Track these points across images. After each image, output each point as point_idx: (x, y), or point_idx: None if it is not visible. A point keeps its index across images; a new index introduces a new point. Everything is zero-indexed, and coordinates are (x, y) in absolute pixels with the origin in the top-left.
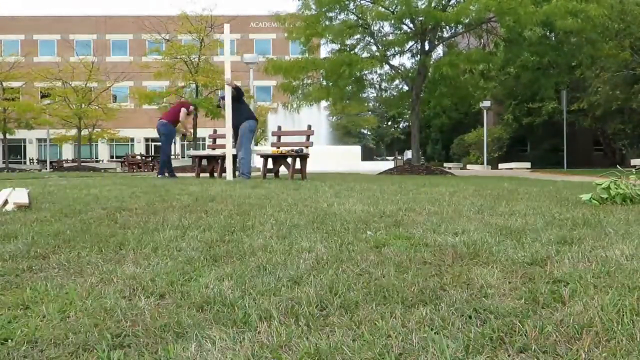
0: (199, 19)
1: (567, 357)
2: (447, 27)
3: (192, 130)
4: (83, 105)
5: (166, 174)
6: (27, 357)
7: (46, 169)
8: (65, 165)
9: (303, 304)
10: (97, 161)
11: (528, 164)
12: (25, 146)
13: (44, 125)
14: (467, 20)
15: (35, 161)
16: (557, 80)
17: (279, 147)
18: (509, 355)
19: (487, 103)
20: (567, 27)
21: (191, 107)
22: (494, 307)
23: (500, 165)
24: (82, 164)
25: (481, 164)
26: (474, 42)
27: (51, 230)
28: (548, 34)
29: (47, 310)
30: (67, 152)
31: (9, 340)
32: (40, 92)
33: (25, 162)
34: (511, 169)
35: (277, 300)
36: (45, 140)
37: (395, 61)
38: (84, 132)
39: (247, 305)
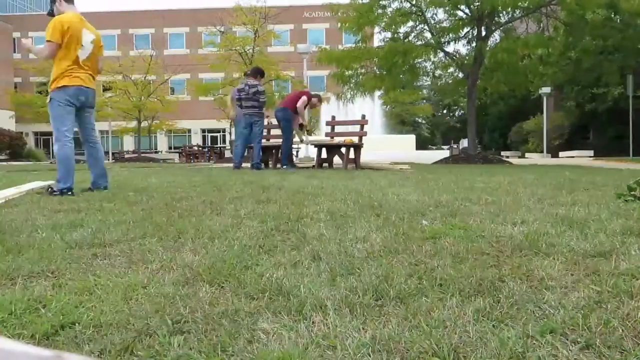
0: (253, 10)
1: (634, 353)
2: (504, 12)
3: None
4: (142, 98)
5: (284, 166)
6: (92, 340)
7: (108, 159)
8: (126, 156)
9: (358, 294)
10: (156, 152)
11: (591, 152)
12: None
13: (106, 118)
14: (525, 4)
15: None
16: (622, 65)
17: (333, 137)
18: (571, 351)
19: (547, 89)
20: (633, 8)
21: (314, 99)
22: (555, 300)
23: (561, 154)
24: (142, 154)
25: (540, 153)
26: (532, 27)
27: (114, 219)
28: (612, 16)
29: (110, 296)
30: (128, 143)
31: (76, 324)
32: (102, 86)
33: None
34: (572, 157)
35: (331, 289)
36: (107, 132)
37: (450, 48)
38: (144, 123)
39: (302, 294)
